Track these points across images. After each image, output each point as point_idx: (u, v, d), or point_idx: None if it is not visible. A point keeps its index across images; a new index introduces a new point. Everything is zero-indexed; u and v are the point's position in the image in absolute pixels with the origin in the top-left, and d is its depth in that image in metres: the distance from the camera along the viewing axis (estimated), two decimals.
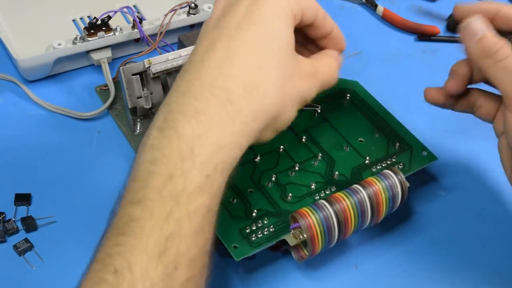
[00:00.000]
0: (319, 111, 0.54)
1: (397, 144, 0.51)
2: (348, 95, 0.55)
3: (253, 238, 0.44)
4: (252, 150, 0.50)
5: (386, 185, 0.46)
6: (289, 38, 0.40)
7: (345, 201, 0.44)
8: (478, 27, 0.43)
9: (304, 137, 0.52)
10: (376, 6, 0.72)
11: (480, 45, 0.43)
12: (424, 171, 0.52)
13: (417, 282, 0.48)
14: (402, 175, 0.47)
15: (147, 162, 0.36)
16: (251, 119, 0.38)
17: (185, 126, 0.36)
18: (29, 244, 0.47)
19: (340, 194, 0.45)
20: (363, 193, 0.45)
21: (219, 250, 0.46)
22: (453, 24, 0.47)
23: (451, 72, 0.47)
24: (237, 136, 0.37)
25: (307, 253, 0.45)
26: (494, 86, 0.44)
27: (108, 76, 0.59)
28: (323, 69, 0.44)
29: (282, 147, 0.51)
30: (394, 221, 0.51)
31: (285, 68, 0.40)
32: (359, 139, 0.52)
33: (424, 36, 0.70)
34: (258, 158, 0.50)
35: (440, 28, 0.67)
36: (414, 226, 0.52)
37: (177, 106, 0.38)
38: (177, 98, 0.38)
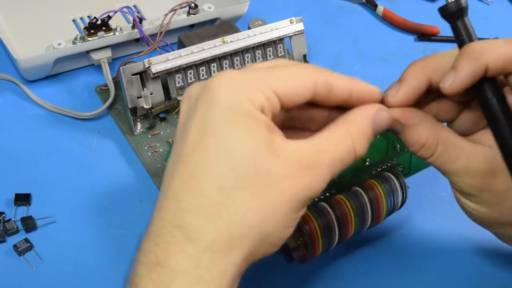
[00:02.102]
0: None
1: (397, 146, 0.51)
2: None
3: None
4: None
5: (387, 188, 0.46)
6: (251, 143, 0.33)
7: (346, 205, 0.44)
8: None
9: None
10: (376, 6, 0.72)
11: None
12: (424, 173, 0.52)
13: (416, 284, 0.48)
14: (402, 177, 0.47)
15: None
16: (224, 252, 0.32)
17: (146, 283, 0.32)
18: (29, 244, 0.47)
19: (341, 197, 0.45)
20: (364, 197, 0.45)
21: None
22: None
23: (401, 80, 0.39)
24: (208, 279, 0.32)
25: (308, 255, 0.45)
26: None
27: (108, 76, 0.59)
28: (331, 147, 0.36)
29: None
30: (393, 222, 0.51)
31: (255, 179, 0.33)
32: None
33: (424, 36, 0.70)
34: None
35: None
36: (414, 228, 0.52)
37: (140, 252, 0.33)
38: (143, 240, 0.34)
